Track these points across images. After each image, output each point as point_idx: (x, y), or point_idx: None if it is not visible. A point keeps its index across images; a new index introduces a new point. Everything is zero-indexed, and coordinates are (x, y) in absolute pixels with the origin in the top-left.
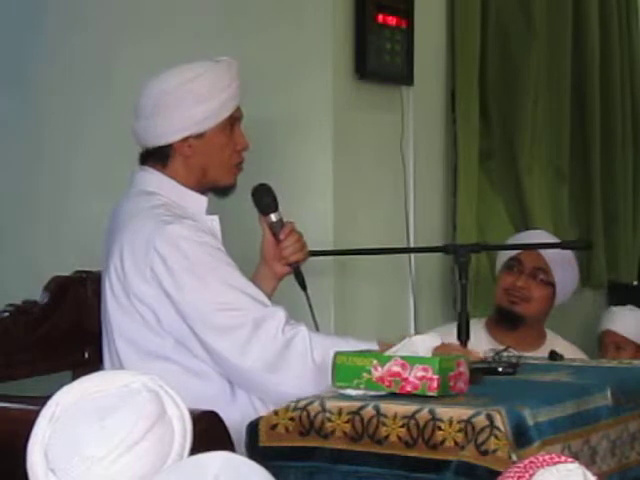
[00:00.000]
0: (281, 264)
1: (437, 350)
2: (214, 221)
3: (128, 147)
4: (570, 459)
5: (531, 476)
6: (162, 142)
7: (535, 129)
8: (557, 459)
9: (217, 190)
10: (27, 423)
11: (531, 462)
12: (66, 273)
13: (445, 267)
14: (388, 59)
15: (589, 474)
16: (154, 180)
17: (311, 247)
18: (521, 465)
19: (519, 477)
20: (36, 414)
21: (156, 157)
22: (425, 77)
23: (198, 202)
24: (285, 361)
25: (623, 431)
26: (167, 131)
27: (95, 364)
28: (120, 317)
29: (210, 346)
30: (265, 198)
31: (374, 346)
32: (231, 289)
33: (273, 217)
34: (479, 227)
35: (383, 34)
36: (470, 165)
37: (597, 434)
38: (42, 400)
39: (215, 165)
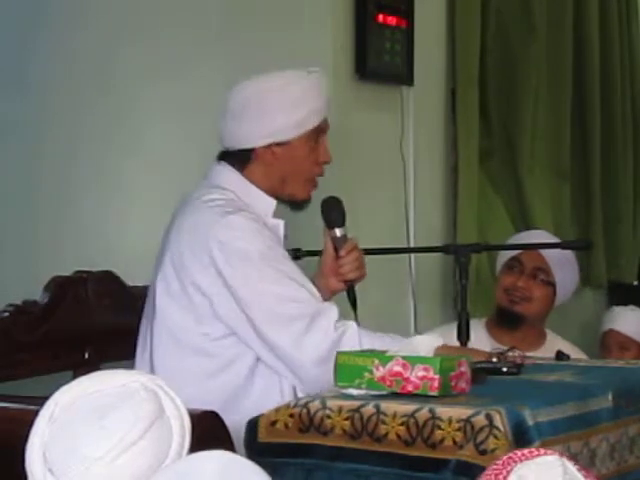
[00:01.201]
0: (336, 279)
1: (438, 351)
2: (279, 225)
3: (128, 147)
4: (549, 451)
5: (509, 472)
6: (245, 146)
7: (535, 129)
8: (536, 452)
9: (292, 203)
10: (27, 423)
11: (509, 458)
12: (66, 273)
13: (445, 267)
14: (388, 59)
15: (569, 465)
16: (228, 176)
17: (310, 247)
18: (500, 462)
19: (497, 474)
20: (36, 414)
21: (236, 158)
22: (425, 77)
23: (266, 203)
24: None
25: (623, 434)
26: (252, 136)
27: (95, 364)
28: (167, 304)
29: (267, 336)
30: (334, 212)
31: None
32: (291, 281)
33: (338, 232)
34: (479, 227)
35: (383, 34)
36: (470, 165)
37: (597, 436)
38: (42, 400)
39: (294, 176)
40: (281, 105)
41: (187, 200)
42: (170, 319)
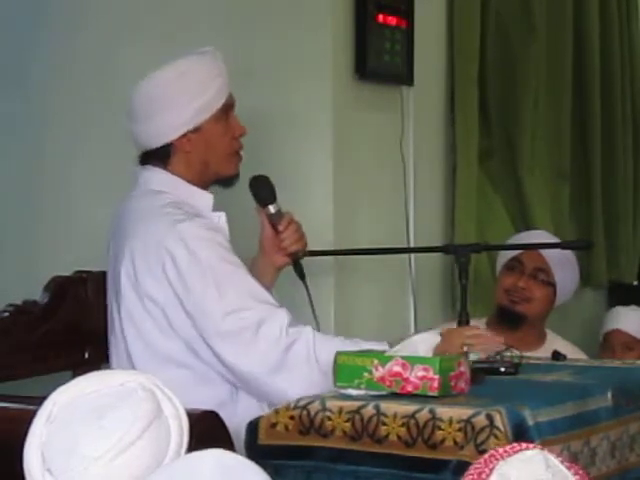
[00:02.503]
0: (280, 255)
1: (439, 347)
2: (221, 217)
3: (129, 148)
4: (531, 445)
5: (491, 470)
6: (161, 142)
7: (535, 129)
8: (518, 448)
9: (221, 181)
10: (27, 423)
11: (491, 456)
12: (66, 273)
13: (445, 267)
14: (388, 59)
15: (552, 457)
16: (160, 179)
17: (311, 247)
18: (482, 460)
19: (479, 473)
20: (35, 414)
21: (157, 156)
22: (425, 77)
23: (204, 199)
24: (288, 364)
25: (623, 433)
26: (165, 130)
27: (95, 364)
28: (136, 320)
29: (216, 352)
30: (263, 190)
31: (383, 347)
32: (238, 292)
33: (272, 208)
34: (479, 227)
35: (383, 34)
36: (469, 165)
37: (597, 435)
38: (41, 400)
39: (215, 156)
40: (185, 93)
41: (130, 212)
42: (143, 333)
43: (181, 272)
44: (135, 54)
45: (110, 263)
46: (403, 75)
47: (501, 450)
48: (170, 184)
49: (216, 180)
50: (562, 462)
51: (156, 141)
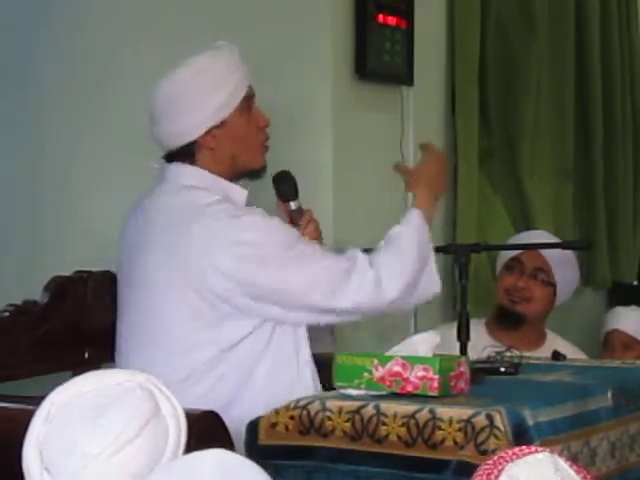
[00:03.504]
0: None
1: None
2: None
3: (130, 148)
4: (540, 448)
5: (500, 472)
6: (186, 140)
7: (536, 129)
8: (527, 450)
9: (249, 174)
10: (26, 423)
11: (501, 457)
12: (66, 273)
13: (445, 267)
14: (388, 59)
15: (561, 462)
16: (195, 174)
17: None
18: (491, 462)
19: (488, 474)
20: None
21: (182, 155)
22: (425, 77)
23: (240, 194)
24: (382, 285)
25: (623, 433)
26: (189, 128)
27: (95, 364)
28: (182, 323)
29: (335, 308)
30: (287, 185)
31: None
32: (312, 263)
33: (293, 205)
34: (479, 227)
35: (383, 34)
36: (469, 165)
37: (597, 435)
38: (41, 400)
39: (243, 149)
40: (204, 90)
41: (166, 208)
42: (175, 320)
43: (255, 254)
44: (135, 55)
45: (128, 264)
46: (403, 75)
47: (510, 452)
48: (207, 180)
49: (244, 174)
50: (571, 466)
51: (180, 140)
